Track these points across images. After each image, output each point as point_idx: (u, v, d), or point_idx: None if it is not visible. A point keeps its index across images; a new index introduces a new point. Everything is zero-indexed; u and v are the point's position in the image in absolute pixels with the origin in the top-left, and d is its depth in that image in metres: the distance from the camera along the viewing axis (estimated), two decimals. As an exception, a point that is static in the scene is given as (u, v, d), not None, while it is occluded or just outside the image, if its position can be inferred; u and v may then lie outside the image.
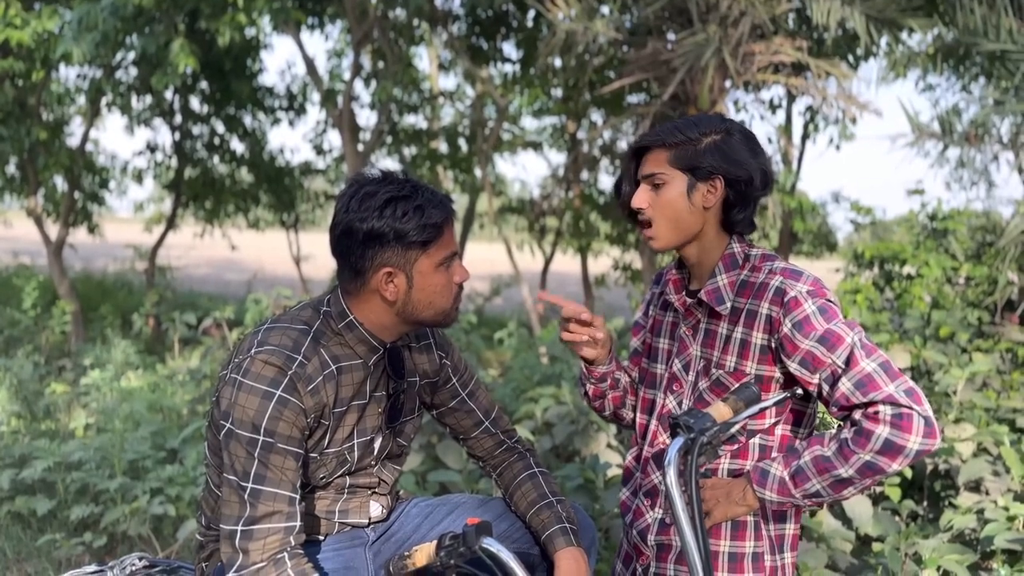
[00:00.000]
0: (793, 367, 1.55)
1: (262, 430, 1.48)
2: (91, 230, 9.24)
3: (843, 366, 1.50)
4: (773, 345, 1.58)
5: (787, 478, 1.54)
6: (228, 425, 1.50)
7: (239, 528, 1.47)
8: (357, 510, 1.70)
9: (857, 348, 1.50)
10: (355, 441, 1.64)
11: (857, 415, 1.48)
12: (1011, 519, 2.79)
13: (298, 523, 1.51)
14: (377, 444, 1.69)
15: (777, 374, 1.60)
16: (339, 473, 1.64)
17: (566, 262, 12.45)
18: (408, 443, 1.78)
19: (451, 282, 1.61)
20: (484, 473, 1.89)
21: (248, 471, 1.49)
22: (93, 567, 1.90)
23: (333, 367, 1.58)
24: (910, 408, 1.45)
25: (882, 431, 1.45)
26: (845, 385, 1.49)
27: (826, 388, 1.53)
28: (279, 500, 1.49)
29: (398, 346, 1.68)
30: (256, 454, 1.49)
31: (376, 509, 1.73)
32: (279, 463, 1.49)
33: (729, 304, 1.63)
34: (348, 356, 1.60)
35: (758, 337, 1.60)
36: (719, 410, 1.45)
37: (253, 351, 1.53)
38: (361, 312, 1.60)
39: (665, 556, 1.70)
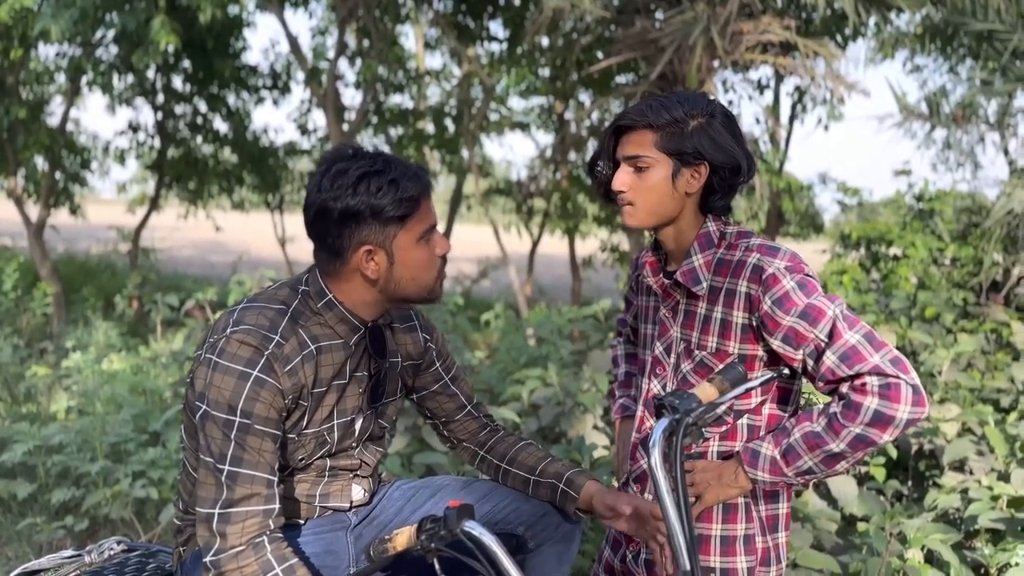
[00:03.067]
0: (776, 344, 1.53)
1: (239, 411, 1.45)
2: (73, 211, 9.13)
3: (826, 340, 1.47)
4: (754, 323, 1.56)
5: (778, 457, 1.53)
6: (204, 406, 1.47)
7: (216, 511, 1.44)
8: (338, 494, 1.68)
9: (839, 320, 1.48)
10: (335, 422, 1.61)
11: (844, 388, 1.46)
12: (995, 499, 2.79)
13: (277, 506, 1.48)
14: (358, 425, 1.66)
15: (760, 352, 1.58)
16: (319, 455, 1.61)
17: (554, 244, 12.42)
18: (390, 425, 1.75)
19: (433, 255, 1.56)
20: (463, 458, 1.87)
21: (225, 453, 1.45)
22: (71, 551, 1.88)
23: (312, 347, 1.54)
24: (897, 377, 1.43)
25: (871, 402, 1.43)
26: (830, 359, 1.47)
27: (811, 363, 1.50)
28: (257, 482, 1.45)
29: (380, 325, 1.65)
30: (233, 436, 1.45)
31: (358, 493, 1.71)
32: (256, 445, 1.46)
33: (706, 284, 1.60)
34: (328, 336, 1.57)
35: (739, 316, 1.57)
36: (705, 391, 1.43)
37: (228, 331, 1.49)
38: (342, 292, 1.57)
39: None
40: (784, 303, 1.51)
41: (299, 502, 1.64)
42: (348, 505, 1.69)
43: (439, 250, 1.57)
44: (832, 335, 1.47)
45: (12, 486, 3.63)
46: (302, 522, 1.66)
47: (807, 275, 1.54)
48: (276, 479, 1.49)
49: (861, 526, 2.78)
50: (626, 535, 1.74)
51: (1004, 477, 3.08)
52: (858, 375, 1.45)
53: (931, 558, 2.67)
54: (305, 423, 1.56)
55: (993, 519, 2.71)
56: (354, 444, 1.67)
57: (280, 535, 1.47)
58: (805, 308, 1.49)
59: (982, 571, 2.74)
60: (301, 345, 1.53)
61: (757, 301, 1.53)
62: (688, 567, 1.32)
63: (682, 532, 1.33)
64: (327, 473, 1.65)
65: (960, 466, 3.32)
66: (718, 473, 1.60)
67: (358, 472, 1.70)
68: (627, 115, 1.61)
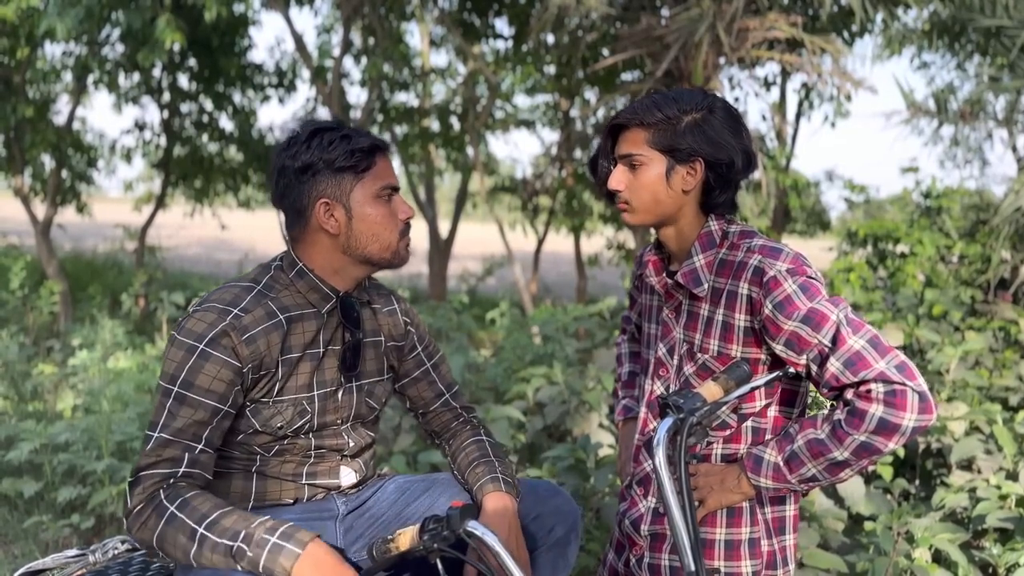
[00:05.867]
0: (779, 349, 1.50)
1: (179, 382, 1.49)
2: (79, 209, 9.15)
3: (830, 345, 1.44)
4: (756, 327, 1.53)
5: (781, 464, 1.50)
6: (158, 379, 1.53)
7: (129, 478, 1.47)
8: (326, 473, 1.68)
9: (843, 325, 1.44)
10: (315, 392, 1.63)
11: (849, 395, 1.43)
12: (1003, 498, 2.78)
13: (184, 469, 1.47)
14: (340, 397, 1.66)
15: (763, 356, 1.55)
16: (299, 425, 1.62)
17: (559, 241, 12.41)
18: (380, 406, 1.75)
19: (394, 215, 1.61)
20: (441, 453, 1.87)
21: (157, 421, 1.49)
22: (75, 551, 1.88)
23: (281, 317, 1.58)
24: (903, 384, 1.39)
25: (876, 410, 1.39)
26: (834, 365, 1.43)
27: (815, 368, 1.47)
28: (172, 447, 1.47)
29: (352, 297, 1.67)
30: (168, 405, 1.49)
31: (347, 475, 1.71)
32: (187, 415, 1.48)
33: (707, 285, 1.58)
34: (300, 306, 1.61)
35: (740, 319, 1.54)
36: (710, 389, 1.42)
37: (193, 309, 1.55)
38: (310, 257, 1.61)
39: (659, 546, 1.66)
40: (786, 307, 1.47)
41: (287, 481, 1.65)
42: (338, 484, 1.70)
43: (401, 214, 1.62)
44: (836, 340, 1.44)
45: (18, 484, 3.64)
46: (291, 502, 1.66)
47: (810, 277, 1.50)
48: (200, 447, 1.49)
49: (868, 525, 2.76)
50: (629, 538, 1.73)
51: (1012, 476, 3.06)
52: (863, 382, 1.41)
53: (939, 558, 2.66)
54: (278, 389, 1.58)
55: (1001, 518, 2.69)
56: (339, 421, 1.67)
57: (183, 484, 1.46)
58: (807, 313, 1.46)
59: (990, 571, 2.73)
60: (269, 315, 1.56)
61: (758, 304, 1.50)
62: (692, 568, 1.31)
63: (686, 533, 1.32)
64: (313, 452, 1.66)
65: (968, 465, 3.30)
66: (721, 478, 1.57)
67: (345, 452, 1.70)
68: (621, 114, 1.61)
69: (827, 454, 1.45)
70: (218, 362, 1.50)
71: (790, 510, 1.65)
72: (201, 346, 1.49)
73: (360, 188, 1.57)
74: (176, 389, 1.49)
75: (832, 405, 1.51)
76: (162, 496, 1.44)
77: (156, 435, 1.48)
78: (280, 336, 1.57)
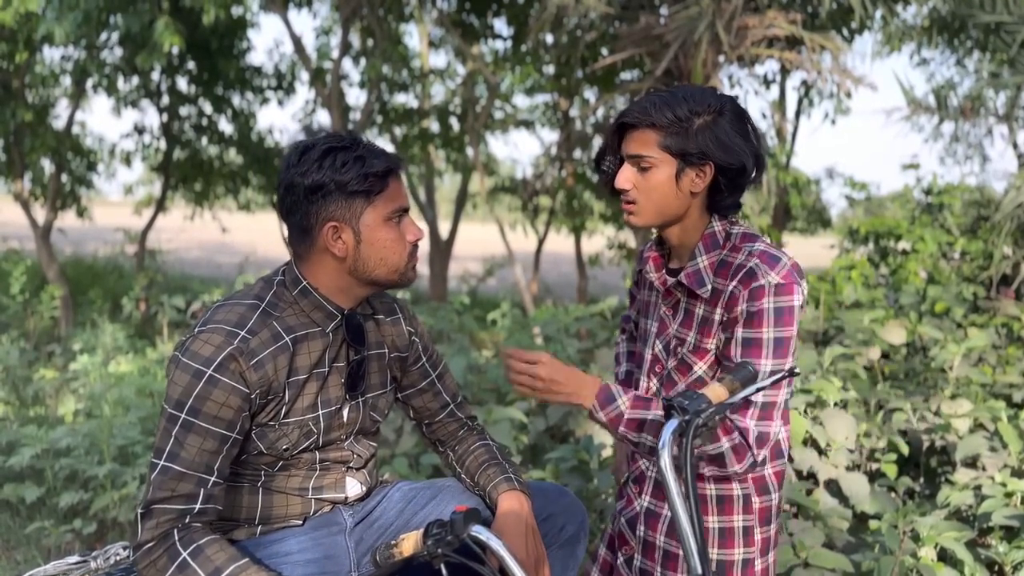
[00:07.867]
0: (722, 333, 1.56)
1: (186, 408, 1.45)
2: (80, 213, 9.15)
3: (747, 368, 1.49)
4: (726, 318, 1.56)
5: (624, 416, 1.54)
6: (163, 403, 1.49)
7: (140, 510, 1.44)
8: (332, 486, 1.66)
9: (764, 374, 1.51)
10: (320, 412, 1.60)
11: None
12: (1008, 495, 2.77)
13: (199, 505, 1.45)
14: (345, 415, 1.64)
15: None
16: (305, 445, 1.59)
17: (560, 241, 12.41)
18: (382, 418, 1.74)
19: (403, 238, 1.56)
20: (443, 460, 1.86)
21: (163, 448, 1.45)
22: (76, 557, 1.87)
23: (287, 338, 1.54)
24: (749, 449, 1.50)
25: (724, 446, 1.50)
26: (734, 377, 1.47)
27: (723, 350, 1.56)
28: (186, 481, 1.44)
29: (357, 314, 1.64)
30: (174, 432, 1.45)
31: (353, 486, 1.69)
32: (196, 443, 1.45)
33: (710, 287, 1.58)
34: (305, 325, 1.57)
35: (727, 316, 1.56)
36: (715, 391, 1.41)
37: (197, 329, 1.50)
38: (314, 276, 1.57)
39: (651, 555, 1.66)
40: (753, 319, 1.52)
41: (293, 497, 1.63)
42: (344, 496, 1.68)
43: (411, 236, 1.57)
44: (753, 372, 1.48)
45: (20, 490, 3.63)
46: (300, 523, 1.64)
47: (791, 304, 1.52)
48: (212, 479, 1.47)
49: (873, 524, 2.75)
50: (622, 536, 1.72)
51: (1018, 473, 3.05)
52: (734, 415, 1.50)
53: (944, 556, 2.65)
54: (284, 412, 1.55)
55: (1007, 516, 2.68)
56: (343, 436, 1.65)
57: (198, 525, 1.45)
58: (759, 338, 1.52)
59: (996, 569, 2.72)
60: (275, 337, 1.52)
61: (736, 299, 1.53)
62: (699, 571, 1.30)
63: (692, 535, 1.31)
64: (318, 466, 1.64)
65: (973, 462, 3.29)
66: (577, 386, 1.55)
67: (350, 464, 1.68)
68: (631, 112, 1.57)
69: (652, 438, 1.52)
70: (226, 388, 1.46)
71: (774, 499, 1.67)
72: (209, 371, 1.45)
73: (371, 212, 1.52)
74: (183, 416, 1.45)
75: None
76: (176, 538, 1.42)
77: (165, 464, 1.45)
78: (287, 359, 1.53)
